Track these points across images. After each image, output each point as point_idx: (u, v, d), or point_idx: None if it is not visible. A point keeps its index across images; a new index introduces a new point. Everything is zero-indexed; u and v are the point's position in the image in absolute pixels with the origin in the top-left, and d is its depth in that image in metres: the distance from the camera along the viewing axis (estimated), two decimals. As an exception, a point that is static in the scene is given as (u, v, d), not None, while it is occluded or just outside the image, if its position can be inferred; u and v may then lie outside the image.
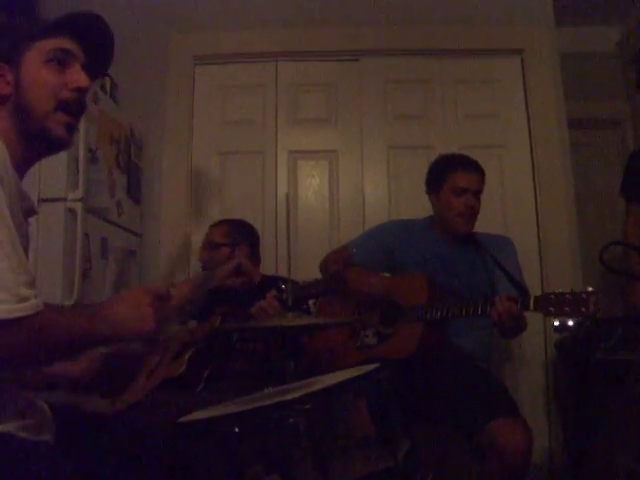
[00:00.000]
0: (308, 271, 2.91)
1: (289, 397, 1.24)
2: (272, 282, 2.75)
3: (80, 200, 2.56)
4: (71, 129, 1.40)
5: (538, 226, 3.50)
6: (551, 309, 2.06)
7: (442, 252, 2.67)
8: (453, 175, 2.65)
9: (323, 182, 3.66)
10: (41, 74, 1.34)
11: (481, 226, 2.77)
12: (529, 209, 3.54)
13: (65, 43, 1.37)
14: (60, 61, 1.37)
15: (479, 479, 2.23)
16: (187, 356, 2.55)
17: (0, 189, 1.17)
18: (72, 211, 2.54)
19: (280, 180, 3.64)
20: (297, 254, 3.33)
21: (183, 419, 1.34)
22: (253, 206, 3.60)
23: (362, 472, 1.22)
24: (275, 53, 3.72)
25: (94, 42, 1.45)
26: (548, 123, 3.57)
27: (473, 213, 2.63)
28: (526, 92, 3.65)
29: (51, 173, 2.51)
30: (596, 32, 4.20)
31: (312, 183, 3.66)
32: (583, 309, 1.98)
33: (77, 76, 1.38)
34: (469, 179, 2.62)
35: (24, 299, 1.13)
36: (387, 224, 2.99)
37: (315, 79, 3.75)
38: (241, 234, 2.93)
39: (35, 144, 1.38)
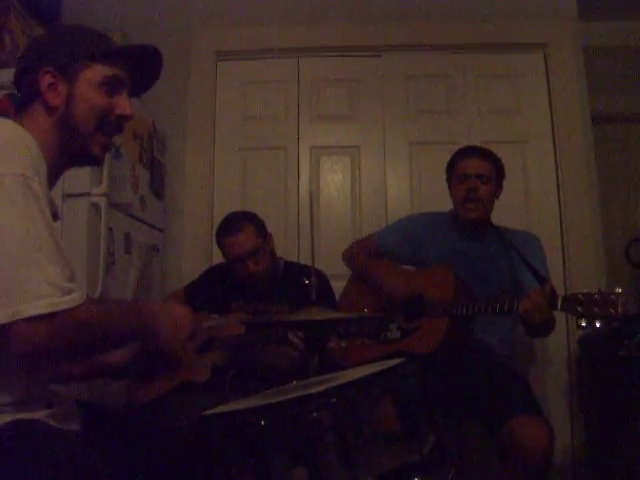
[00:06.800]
0: (331, 267, 2.92)
1: (313, 391, 1.24)
2: (297, 271, 2.70)
3: (104, 195, 2.57)
4: (106, 150, 1.50)
5: (561, 221, 3.47)
6: (579, 309, 2.03)
7: (465, 245, 2.66)
8: (457, 164, 2.67)
9: (345, 178, 3.65)
10: (93, 95, 1.40)
11: (503, 221, 2.76)
12: (552, 205, 3.51)
13: (120, 72, 1.45)
14: (111, 87, 1.43)
15: (501, 476, 2.22)
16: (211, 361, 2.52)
17: (39, 189, 1.21)
18: (96, 206, 2.55)
19: (302, 176, 3.64)
20: (320, 250, 3.33)
21: (208, 412, 1.35)
22: (275, 202, 3.60)
23: (387, 467, 1.21)
24: (297, 49, 3.72)
25: (145, 75, 1.56)
26: (571, 118, 3.53)
27: (477, 197, 2.57)
28: (549, 87, 3.62)
29: (75, 169, 2.51)
30: (619, 26, 4.14)
31: (334, 179, 3.65)
32: (612, 310, 1.96)
33: (124, 104, 1.46)
34: (468, 164, 2.61)
35: (67, 292, 1.16)
36: (414, 216, 2.99)
37: (337, 75, 3.75)
38: (263, 228, 2.71)
39: (71, 158, 1.46)
